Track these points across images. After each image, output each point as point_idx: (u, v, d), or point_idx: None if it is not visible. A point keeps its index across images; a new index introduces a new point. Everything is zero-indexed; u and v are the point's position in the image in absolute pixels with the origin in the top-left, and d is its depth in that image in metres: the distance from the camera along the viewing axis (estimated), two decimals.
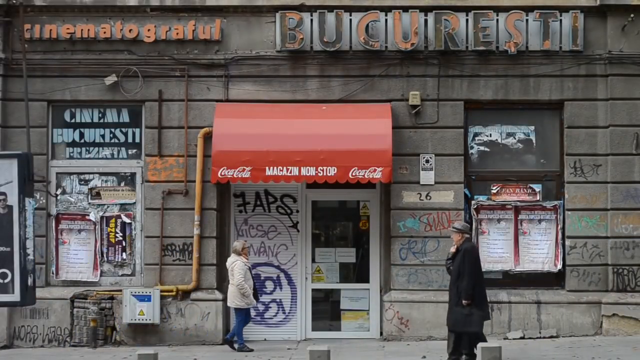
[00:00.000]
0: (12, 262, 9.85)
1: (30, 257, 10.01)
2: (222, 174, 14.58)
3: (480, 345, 11.42)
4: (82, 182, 15.60)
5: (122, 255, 15.52)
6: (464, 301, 12.26)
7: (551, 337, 14.92)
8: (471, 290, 12.28)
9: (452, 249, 12.76)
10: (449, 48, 15.02)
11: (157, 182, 15.31)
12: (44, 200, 15.24)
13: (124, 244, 15.51)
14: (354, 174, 14.51)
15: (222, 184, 15.03)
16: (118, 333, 15.10)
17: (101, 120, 15.67)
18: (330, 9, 15.07)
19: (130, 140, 15.63)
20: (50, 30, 15.27)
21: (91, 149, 15.67)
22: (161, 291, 14.96)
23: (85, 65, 15.35)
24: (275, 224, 15.70)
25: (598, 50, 15.18)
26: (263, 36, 15.36)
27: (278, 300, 15.64)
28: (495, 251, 15.35)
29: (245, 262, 14.29)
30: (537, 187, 15.37)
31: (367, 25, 15.04)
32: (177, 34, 15.26)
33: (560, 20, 15.01)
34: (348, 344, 14.50)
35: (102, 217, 15.50)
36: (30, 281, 10.04)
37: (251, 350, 14.16)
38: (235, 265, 14.22)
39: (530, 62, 15.21)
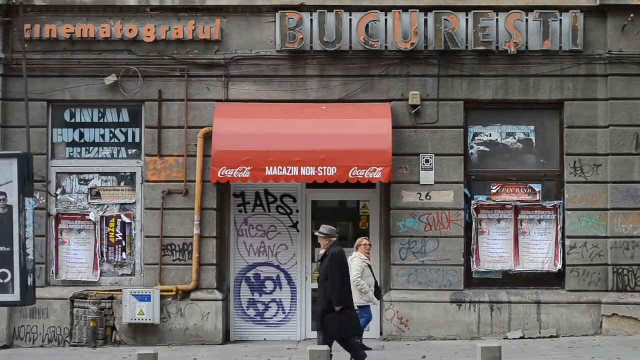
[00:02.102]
0: (12, 262, 9.83)
1: (30, 257, 9.99)
2: (222, 174, 14.59)
3: (480, 345, 11.40)
4: (82, 182, 15.60)
5: (122, 255, 15.52)
6: (336, 307, 11.94)
7: (551, 337, 14.93)
8: (341, 295, 11.97)
9: (321, 252, 12.49)
10: (449, 48, 15.03)
11: (157, 182, 15.31)
12: (44, 200, 15.25)
13: (124, 244, 15.51)
14: (354, 174, 14.52)
15: (222, 184, 15.03)
16: (118, 333, 15.11)
17: (101, 120, 15.67)
18: (330, 9, 15.07)
19: (130, 140, 15.64)
20: (50, 30, 15.27)
21: (91, 149, 15.67)
22: (161, 291, 14.96)
23: (85, 65, 15.36)
24: (275, 224, 15.70)
25: (598, 50, 15.19)
26: (263, 36, 15.36)
27: (278, 300, 15.65)
28: (495, 251, 15.35)
29: (364, 260, 14.09)
30: (537, 187, 15.38)
31: (367, 25, 15.04)
32: (177, 34, 15.27)
33: (560, 20, 15.02)
34: None
35: (102, 217, 15.51)
36: (30, 281, 10.03)
37: (369, 349, 13.91)
38: (353, 262, 13.95)
39: (530, 62, 15.22)
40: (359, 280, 13.88)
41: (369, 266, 14.19)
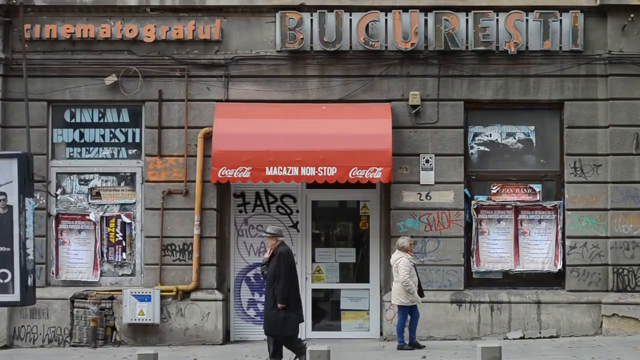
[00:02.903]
0: (12, 262, 9.83)
1: (30, 257, 9.99)
2: (222, 174, 14.59)
3: (480, 345, 11.40)
4: (82, 182, 15.60)
5: (122, 255, 15.52)
6: (279, 305, 12.09)
7: (551, 337, 14.93)
8: (286, 294, 12.12)
9: (267, 254, 12.60)
10: (449, 48, 15.03)
11: (157, 182, 15.31)
12: (44, 200, 15.24)
13: (124, 244, 15.51)
14: (354, 174, 14.52)
15: (222, 184, 15.03)
16: (118, 333, 15.11)
17: (101, 120, 15.67)
18: (330, 9, 15.07)
19: (130, 140, 15.64)
20: (50, 30, 15.27)
21: (91, 149, 15.67)
22: (161, 291, 14.96)
23: (85, 65, 15.36)
24: (276, 224, 15.68)
25: (598, 50, 15.19)
26: (263, 36, 15.36)
27: None
28: (495, 251, 15.35)
29: (410, 259, 14.01)
30: (537, 187, 15.38)
31: (367, 25, 15.04)
32: (177, 34, 15.27)
33: (560, 20, 15.02)
34: (348, 344, 14.50)
35: (102, 217, 15.51)
36: (30, 281, 10.02)
37: (423, 347, 13.95)
38: (400, 262, 13.91)
39: (530, 62, 15.22)
40: (407, 280, 13.84)
41: (414, 266, 14.13)
